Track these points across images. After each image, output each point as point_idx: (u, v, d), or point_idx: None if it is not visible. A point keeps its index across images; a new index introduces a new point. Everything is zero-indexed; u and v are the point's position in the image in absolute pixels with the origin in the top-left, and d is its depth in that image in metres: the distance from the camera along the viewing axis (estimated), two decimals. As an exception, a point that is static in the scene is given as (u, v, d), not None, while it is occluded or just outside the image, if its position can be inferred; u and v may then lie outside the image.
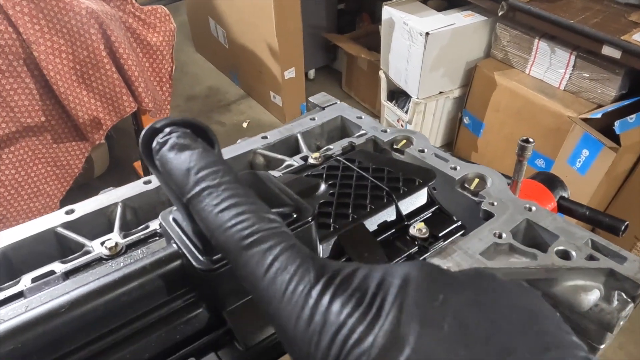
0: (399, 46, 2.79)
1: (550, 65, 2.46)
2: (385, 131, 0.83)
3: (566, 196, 1.05)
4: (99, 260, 0.58)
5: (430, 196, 0.67)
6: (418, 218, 0.64)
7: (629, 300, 0.57)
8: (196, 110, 3.59)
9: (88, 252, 0.61)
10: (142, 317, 0.48)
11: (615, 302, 0.57)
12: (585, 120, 2.24)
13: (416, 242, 0.60)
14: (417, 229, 0.61)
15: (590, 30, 2.12)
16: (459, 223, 0.64)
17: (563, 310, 0.61)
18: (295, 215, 0.52)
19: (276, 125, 3.54)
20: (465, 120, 2.90)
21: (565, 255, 0.58)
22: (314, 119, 0.88)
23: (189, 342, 0.49)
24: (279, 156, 0.79)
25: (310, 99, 0.95)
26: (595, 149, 2.21)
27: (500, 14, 2.41)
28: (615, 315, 0.56)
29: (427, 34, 2.54)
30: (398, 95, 3.07)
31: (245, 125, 3.42)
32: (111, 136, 3.02)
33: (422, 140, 0.80)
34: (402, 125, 3.07)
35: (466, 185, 0.71)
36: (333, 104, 0.93)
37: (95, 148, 2.98)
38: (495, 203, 0.66)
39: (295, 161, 0.77)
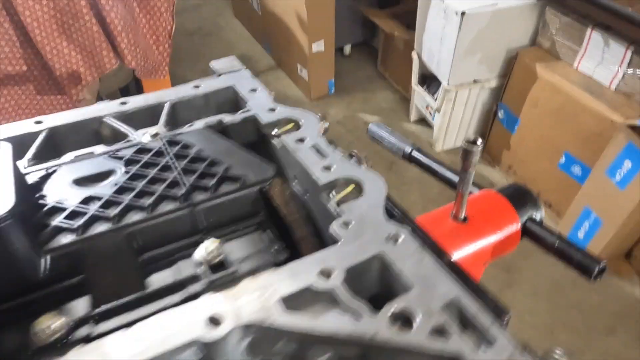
0: (433, 25, 2.51)
1: (602, 60, 2.11)
2: (273, 110, 0.64)
3: (538, 218, 0.82)
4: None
5: (257, 203, 0.48)
6: (226, 232, 0.46)
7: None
8: (223, 77, 3.47)
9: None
10: None
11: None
12: (632, 127, 1.91)
13: (198, 269, 0.42)
14: (205, 248, 0.42)
15: (651, 21, 1.78)
16: (278, 247, 0.45)
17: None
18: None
19: (300, 101, 3.35)
20: (500, 114, 2.59)
21: (403, 321, 0.37)
22: (197, 87, 0.70)
23: None
24: (124, 128, 0.62)
25: (212, 62, 0.76)
26: (639, 162, 1.88)
27: (548, -5, 2.09)
28: None
29: (462, 13, 2.25)
30: (431, 80, 2.80)
31: (268, 97, 3.26)
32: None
33: (310, 127, 0.60)
34: (430, 113, 2.80)
35: (334, 192, 0.52)
36: (233, 72, 0.74)
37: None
38: (352, 223, 0.46)
39: (137, 137, 0.60)
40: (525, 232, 0.80)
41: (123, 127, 0.62)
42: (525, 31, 2.40)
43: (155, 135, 0.57)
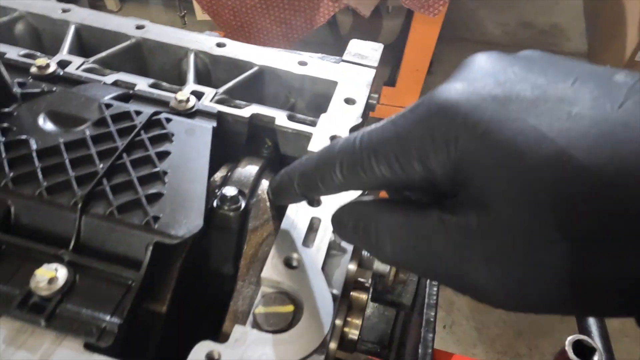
0: None
1: None
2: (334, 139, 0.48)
3: None
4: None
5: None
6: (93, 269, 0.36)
7: None
8: (518, 39, 3.06)
9: None
10: None
11: None
12: None
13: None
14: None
15: None
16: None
17: None
18: None
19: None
20: None
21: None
22: (303, 64, 0.57)
23: None
24: (190, 75, 0.54)
25: (353, 41, 0.60)
26: None
27: None
28: None
29: None
30: None
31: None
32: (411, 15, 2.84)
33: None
34: None
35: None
36: (360, 64, 0.57)
37: (391, 17, 2.87)
38: None
39: (183, 93, 0.51)
40: None
41: (190, 73, 0.55)
42: None
43: (182, 101, 0.48)
